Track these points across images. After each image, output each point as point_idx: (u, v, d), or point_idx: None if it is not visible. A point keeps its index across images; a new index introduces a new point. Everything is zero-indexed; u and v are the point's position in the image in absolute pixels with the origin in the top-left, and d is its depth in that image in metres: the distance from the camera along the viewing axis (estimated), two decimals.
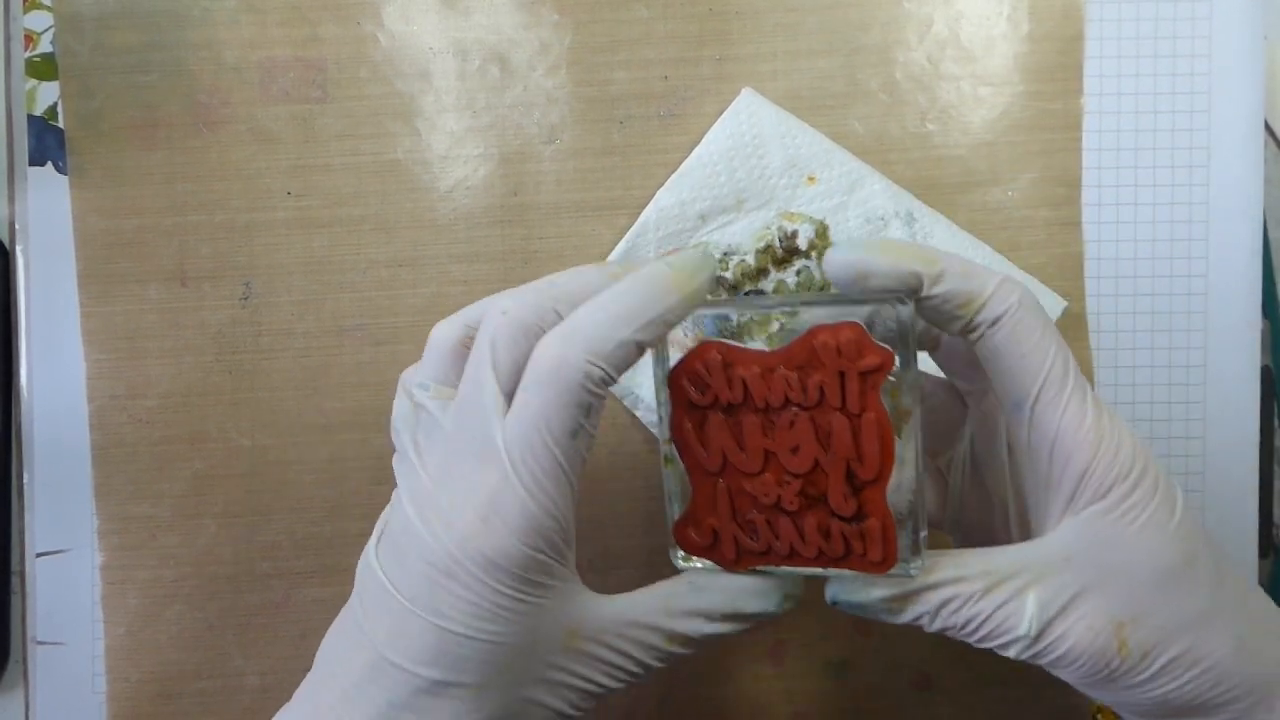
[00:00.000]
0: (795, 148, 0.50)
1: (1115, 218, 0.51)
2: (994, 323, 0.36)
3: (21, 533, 0.52)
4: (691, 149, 0.50)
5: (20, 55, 0.51)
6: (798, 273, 0.47)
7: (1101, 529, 0.36)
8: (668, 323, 0.35)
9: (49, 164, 0.51)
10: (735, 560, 0.38)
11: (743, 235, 0.49)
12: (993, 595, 0.36)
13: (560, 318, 0.36)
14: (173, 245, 0.51)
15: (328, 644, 0.38)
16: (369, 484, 0.51)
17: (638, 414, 0.51)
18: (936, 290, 0.36)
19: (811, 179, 0.50)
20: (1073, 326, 0.51)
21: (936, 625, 0.36)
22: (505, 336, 0.35)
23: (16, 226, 0.51)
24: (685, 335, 0.38)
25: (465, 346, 0.37)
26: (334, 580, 0.51)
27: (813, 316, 0.36)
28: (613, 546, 0.51)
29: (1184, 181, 0.51)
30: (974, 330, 0.36)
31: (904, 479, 0.36)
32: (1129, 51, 0.51)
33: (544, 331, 0.35)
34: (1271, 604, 0.39)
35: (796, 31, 0.51)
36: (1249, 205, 0.51)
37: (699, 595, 0.37)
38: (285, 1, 0.51)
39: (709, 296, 0.37)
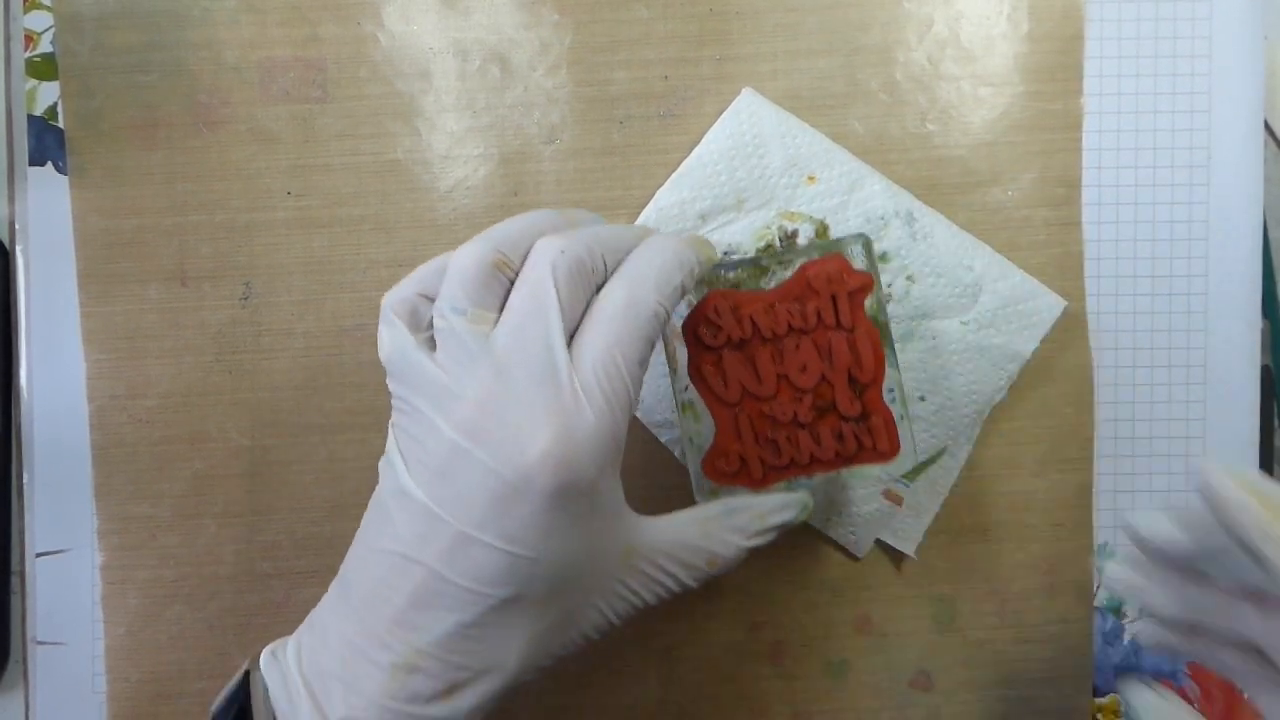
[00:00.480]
0: (795, 147, 0.50)
1: (1115, 218, 0.51)
2: None
3: (21, 533, 0.52)
4: (691, 149, 0.50)
5: (20, 55, 0.51)
6: None
7: None
8: (697, 274, 0.40)
9: (49, 164, 0.51)
10: (763, 479, 0.44)
11: (743, 235, 0.49)
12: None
13: (606, 264, 0.38)
14: (173, 245, 0.51)
15: (359, 575, 0.38)
16: (369, 484, 0.51)
17: (637, 414, 0.51)
18: None
19: (811, 179, 0.50)
20: (1073, 326, 0.51)
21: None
22: (565, 270, 0.37)
23: (16, 226, 0.51)
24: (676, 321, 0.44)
25: (500, 271, 0.38)
26: (334, 580, 0.51)
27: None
28: None
29: (1184, 181, 0.51)
30: None
31: (893, 380, 0.44)
32: (1129, 51, 0.51)
33: (594, 273, 0.38)
34: None
35: (796, 31, 0.51)
36: (1249, 205, 0.52)
37: (732, 516, 0.41)
38: (285, 1, 0.51)
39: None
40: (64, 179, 0.51)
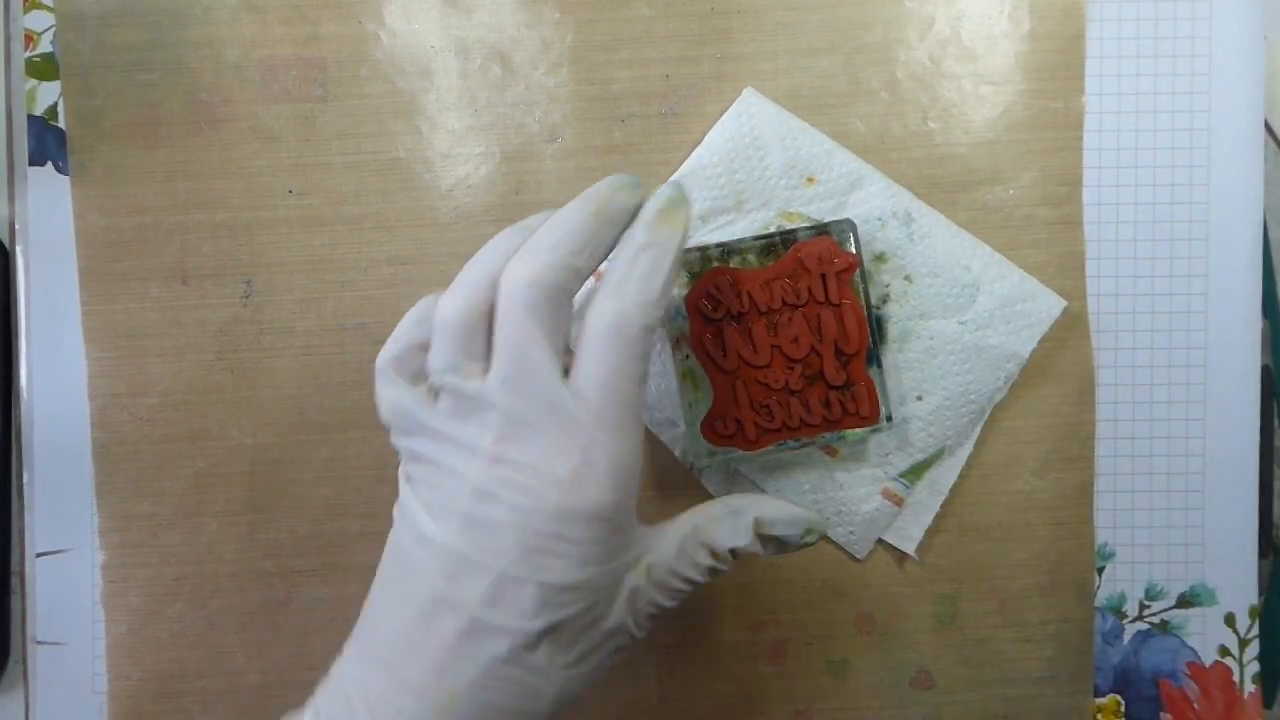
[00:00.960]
0: (795, 149, 0.50)
1: (1115, 217, 0.52)
2: None
3: (21, 533, 0.52)
4: (693, 148, 0.50)
5: (20, 55, 0.51)
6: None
7: None
8: (679, 258, 0.39)
9: (49, 164, 0.51)
10: (756, 440, 0.48)
11: (742, 235, 0.50)
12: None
13: (579, 272, 0.38)
14: (174, 243, 0.51)
15: (385, 626, 0.38)
16: (370, 482, 0.51)
17: None
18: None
19: (811, 180, 0.50)
20: (1073, 326, 0.51)
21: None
22: (540, 302, 0.37)
23: (16, 226, 0.51)
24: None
25: (482, 319, 0.38)
26: (335, 579, 0.51)
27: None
28: None
29: (1184, 181, 0.52)
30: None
31: (874, 354, 0.48)
32: (1129, 51, 0.51)
33: (569, 287, 0.38)
34: None
35: (798, 30, 0.51)
36: (1249, 205, 0.52)
37: (735, 516, 0.41)
38: (286, 0, 0.51)
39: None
40: (64, 179, 0.51)
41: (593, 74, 0.51)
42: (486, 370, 0.38)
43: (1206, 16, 0.51)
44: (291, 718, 0.38)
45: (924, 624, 0.52)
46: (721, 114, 0.50)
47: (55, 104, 0.51)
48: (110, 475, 0.51)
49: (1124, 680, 0.52)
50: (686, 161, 0.50)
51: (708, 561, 0.41)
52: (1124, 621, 0.52)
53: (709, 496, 0.51)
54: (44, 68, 0.51)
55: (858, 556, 0.51)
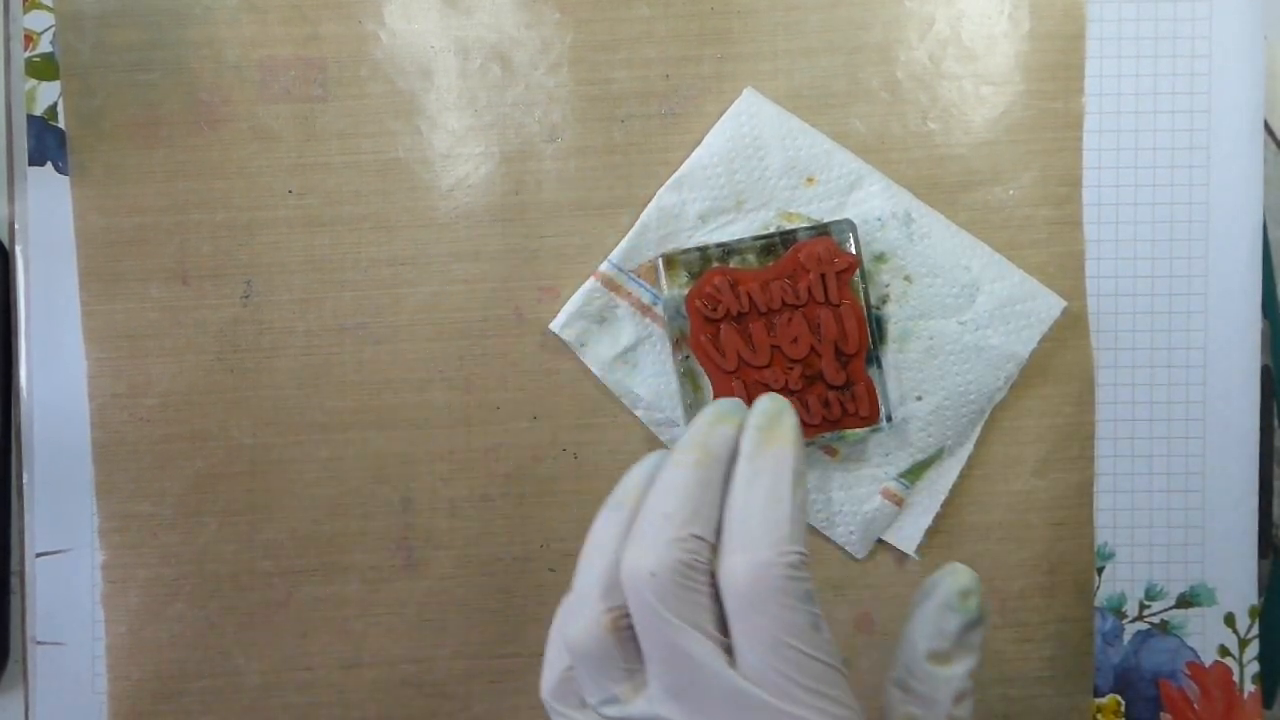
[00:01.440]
0: (795, 149, 0.50)
1: (1115, 217, 0.52)
2: None
3: (21, 533, 0.52)
4: (693, 148, 0.50)
5: (20, 55, 0.51)
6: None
7: None
8: (803, 474, 0.34)
9: (49, 164, 0.51)
10: None
11: (742, 235, 0.50)
12: None
13: (700, 537, 0.33)
14: (174, 243, 0.51)
15: None
16: (370, 482, 0.51)
17: (637, 413, 0.51)
18: None
19: (811, 180, 0.50)
20: (1073, 326, 0.51)
21: None
22: (674, 595, 0.33)
23: (16, 226, 0.51)
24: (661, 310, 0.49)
25: (615, 633, 0.34)
26: (335, 579, 0.51)
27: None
28: None
29: (1184, 181, 0.52)
30: None
31: (874, 355, 0.48)
32: (1129, 51, 0.51)
33: (697, 562, 0.33)
34: None
35: (798, 30, 0.51)
36: (1249, 205, 0.52)
37: (928, 598, 0.38)
38: (286, 0, 0.51)
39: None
40: (64, 179, 0.51)
41: (593, 74, 0.51)
42: (645, 678, 0.34)
43: (1206, 16, 0.51)
44: None
45: None
46: (721, 114, 0.50)
47: (55, 104, 0.51)
48: (110, 475, 0.51)
49: (1124, 680, 0.52)
50: (686, 161, 0.50)
51: (940, 672, 0.37)
52: (1124, 621, 0.52)
53: None
54: (44, 68, 0.51)
55: (858, 556, 0.51)
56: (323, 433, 0.51)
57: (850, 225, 0.48)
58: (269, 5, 0.51)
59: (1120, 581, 0.52)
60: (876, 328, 0.49)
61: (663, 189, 0.50)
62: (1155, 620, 0.52)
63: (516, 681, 0.52)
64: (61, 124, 0.51)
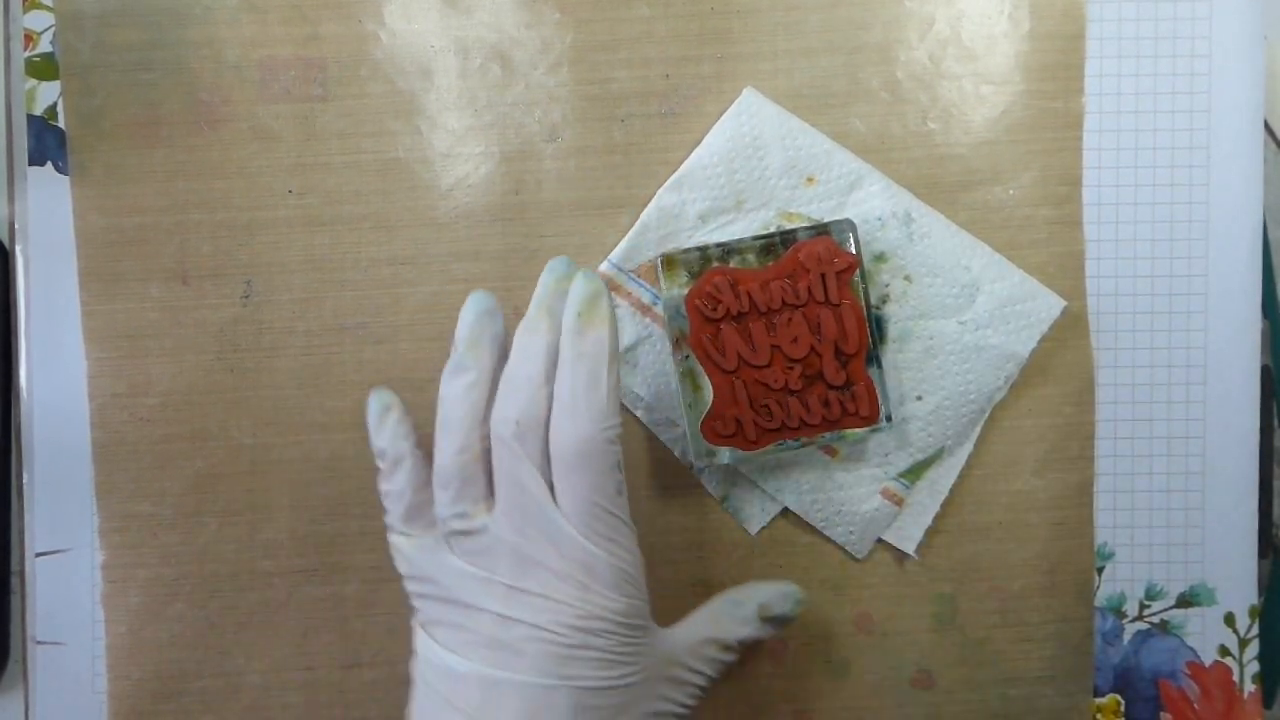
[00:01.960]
0: (795, 149, 0.50)
1: (1115, 217, 0.52)
2: None
3: (21, 533, 0.52)
4: (693, 147, 0.50)
5: (20, 55, 0.51)
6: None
7: None
8: (617, 357, 0.42)
9: (49, 164, 0.51)
10: (756, 440, 0.48)
11: (742, 235, 0.50)
12: None
13: (547, 400, 0.41)
14: (174, 243, 0.51)
15: None
16: (370, 482, 0.51)
17: (637, 413, 0.51)
18: None
19: (811, 180, 0.50)
20: (1073, 326, 0.51)
21: None
22: (529, 437, 0.41)
23: (16, 226, 0.51)
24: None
25: (474, 463, 0.42)
26: (335, 578, 0.51)
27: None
28: None
29: (1184, 181, 0.52)
30: None
31: (874, 355, 0.48)
32: (1129, 51, 0.51)
33: (545, 421, 0.41)
34: None
35: (798, 30, 0.51)
36: (1249, 205, 0.52)
37: (738, 607, 0.46)
38: (286, 0, 0.51)
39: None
40: (64, 179, 0.51)
41: (593, 74, 0.51)
42: (490, 509, 0.42)
43: (1206, 16, 0.51)
44: None
45: (924, 624, 0.52)
46: (721, 114, 0.50)
47: (55, 104, 0.51)
48: (110, 475, 0.51)
49: (1124, 680, 0.52)
50: (686, 161, 0.50)
51: (721, 656, 0.45)
52: (1124, 621, 0.52)
53: (709, 496, 0.51)
54: (44, 68, 0.51)
55: (858, 556, 0.51)
56: (323, 433, 0.51)
57: (850, 225, 0.48)
58: (269, 5, 0.51)
59: (1120, 581, 0.52)
60: (876, 328, 0.48)
61: (663, 189, 0.50)
62: (1155, 620, 0.52)
63: None
64: (61, 124, 0.51)
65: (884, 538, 0.51)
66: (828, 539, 0.51)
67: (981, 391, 0.50)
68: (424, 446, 0.44)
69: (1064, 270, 0.51)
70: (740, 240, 0.48)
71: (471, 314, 0.43)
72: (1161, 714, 0.52)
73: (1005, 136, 0.51)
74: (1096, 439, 0.52)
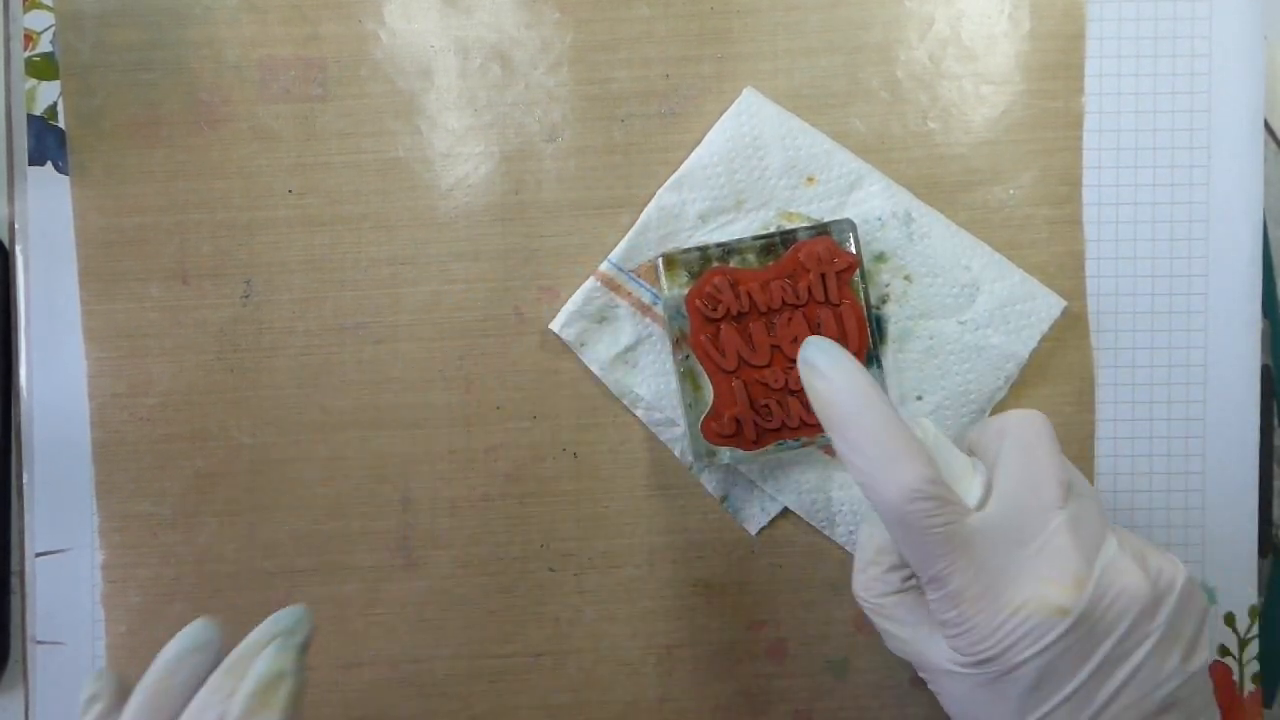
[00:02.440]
0: (795, 149, 0.50)
1: (1115, 217, 0.52)
2: None
3: (21, 533, 0.52)
4: (693, 147, 0.50)
5: (20, 55, 0.51)
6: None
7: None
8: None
9: (49, 164, 0.51)
10: (756, 440, 0.48)
11: (742, 235, 0.50)
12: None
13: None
14: (174, 243, 0.51)
15: None
16: (370, 482, 0.51)
17: (637, 413, 0.51)
18: None
19: (811, 180, 0.50)
20: (1073, 326, 0.51)
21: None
22: None
23: (16, 226, 0.51)
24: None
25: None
26: (335, 578, 0.51)
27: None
28: (613, 546, 0.51)
29: (1184, 181, 0.52)
30: None
31: (874, 354, 0.48)
32: (1129, 51, 0.51)
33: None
34: None
35: (798, 30, 0.51)
36: (1249, 205, 0.52)
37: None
38: (286, 0, 0.51)
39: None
40: (64, 178, 0.51)
41: (593, 74, 0.51)
42: None
43: (1206, 16, 0.51)
44: None
45: None
46: (721, 114, 0.50)
47: (55, 104, 0.51)
48: (110, 475, 0.51)
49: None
50: (686, 161, 0.50)
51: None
52: None
53: (709, 496, 0.51)
54: (44, 67, 0.51)
55: None
56: (323, 432, 0.51)
57: (850, 225, 0.48)
58: (269, 5, 0.51)
59: None
60: (876, 327, 0.49)
61: (663, 189, 0.50)
62: None
63: (516, 681, 0.52)
64: (61, 124, 0.51)
65: None
66: (828, 539, 0.51)
67: (982, 391, 0.50)
68: None
69: (1064, 270, 0.51)
70: (740, 240, 0.48)
71: (173, 650, 0.39)
72: None
73: (1005, 136, 0.51)
74: (1096, 439, 0.52)
